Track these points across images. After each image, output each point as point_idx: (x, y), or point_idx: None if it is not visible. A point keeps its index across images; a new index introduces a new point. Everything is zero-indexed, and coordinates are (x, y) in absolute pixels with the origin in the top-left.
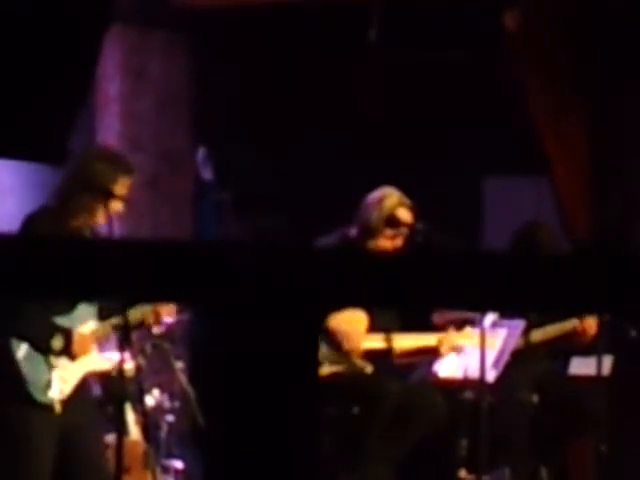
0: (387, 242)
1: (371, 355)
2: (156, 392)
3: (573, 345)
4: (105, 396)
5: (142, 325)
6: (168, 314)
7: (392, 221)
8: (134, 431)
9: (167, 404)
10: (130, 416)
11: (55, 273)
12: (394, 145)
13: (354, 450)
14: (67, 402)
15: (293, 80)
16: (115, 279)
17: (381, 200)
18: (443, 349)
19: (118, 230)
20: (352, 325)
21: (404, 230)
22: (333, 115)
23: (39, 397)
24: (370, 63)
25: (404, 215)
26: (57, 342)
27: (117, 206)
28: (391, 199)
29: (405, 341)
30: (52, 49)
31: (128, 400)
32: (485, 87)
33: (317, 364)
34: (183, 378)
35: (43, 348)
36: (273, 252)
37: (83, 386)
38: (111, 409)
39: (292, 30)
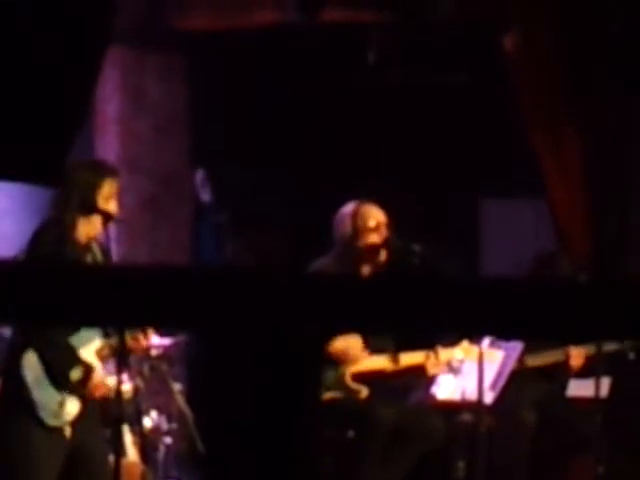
0: (374, 237)
1: (374, 376)
2: (154, 414)
3: (561, 373)
4: (103, 418)
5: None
6: (147, 337)
7: (366, 224)
8: (132, 452)
9: (165, 426)
10: (128, 437)
11: (54, 299)
12: (393, 166)
13: (351, 472)
14: (75, 422)
15: (291, 101)
16: (112, 305)
17: (345, 213)
18: (432, 365)
19: (116, 251)
20: (350, 343)
21: (382, 225)
22: (331, 136)
23: (50, 421)
24: (368, 85)
25: (372, 213)
26: (76, 374)
27: (111, 209)
28: (351, 207)
29: (402, 359)
30: (51, 70)
31: (126, 421)
32: (483, 109)
33: (319, 386)
34: (181, 400)
35: (61, 375)
36: (272, 277)
37: (90, 406)
38: (109, 430)
39: (290, 52)
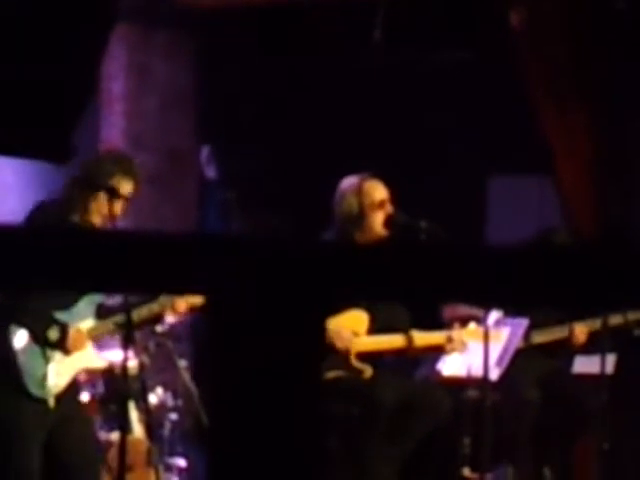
0: (379, 215)
1: (385, 354)
2: (159, 390)
3: (565, 350)
4: (108, 394)
5: (159, 318)
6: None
7: (372, 199)
8: (137, 429)
9: (170, 402)
10: (133, 414)
11: (70, 264)
12: (399, 145)
13: (356, 449)
14: (60, 396)
15: (297, 79)
16: (123, 271)
17: (349, 188)
18: (451, 346)
19: (122, 227)
20: (345, 325)
21: (386, 201)
22: (337, 114)
23: (34, 390)
24: (374, 63)
25: (377, 189)
26: (53, 334)
27: (116, 207)
28: (354, 183)
29: (417, 339)
30: (57, 47)
31: (131, 398)
32: (490, 86)
33: (321, 360)
34: (186, 376)
35: (39, 337)
36: (278, 247)
37: (75, 381)
38: (114, 407)
39: (295, 30)
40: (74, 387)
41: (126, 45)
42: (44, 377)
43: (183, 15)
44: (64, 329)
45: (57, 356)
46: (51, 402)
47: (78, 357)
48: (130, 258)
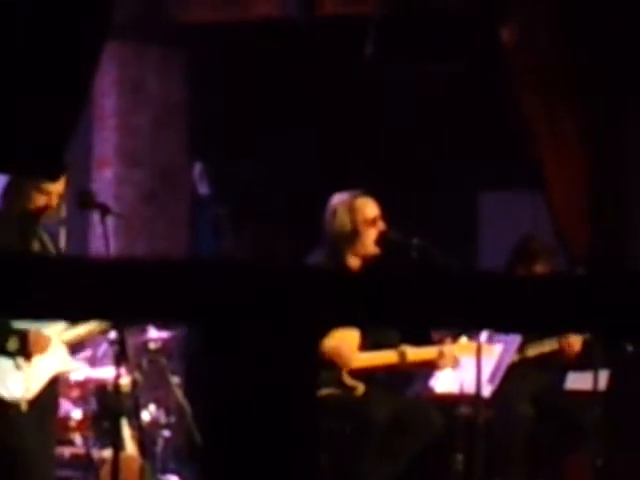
0: (372, 232)
1: (377, 371)
2: (152, 407)
3: (558, 362)
4: (101, 411)
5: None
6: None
7: (365, 217)
8: (130, 446)
9: (163, 419)
10: (126, 431)
11: (50, 292)
12: (390, 160)
13: (349, 466)
14: (34, 401)
15: (290, 95)
16: (112, 298)
17: (341, 205)
18: (443, 362)
19: (114, 245)
20: (343, 342)
21: (378, 218)
22: (329, 129)
23: (6, 394)
24: (366, 77)
25: (369, 206)
26: (12, 344)
27: (40, 200)
28: (346, 200)
29: (409, 354)
30: (49, 63)
31: (124, 415)
32: (482, 101)
33: (316, 380)
34: (179, 393)
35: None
36: (270, 270)
37: (51, 387)
38: (107, 424)
39: (289, 45)
40: (49, 393)
41: (118, 61)
42: (16, 382)
43: (175, 31)
44: (23, 337)
45: (30, 361)
46: (24, 406)
47: (51, 362)
48: (122, 286)
